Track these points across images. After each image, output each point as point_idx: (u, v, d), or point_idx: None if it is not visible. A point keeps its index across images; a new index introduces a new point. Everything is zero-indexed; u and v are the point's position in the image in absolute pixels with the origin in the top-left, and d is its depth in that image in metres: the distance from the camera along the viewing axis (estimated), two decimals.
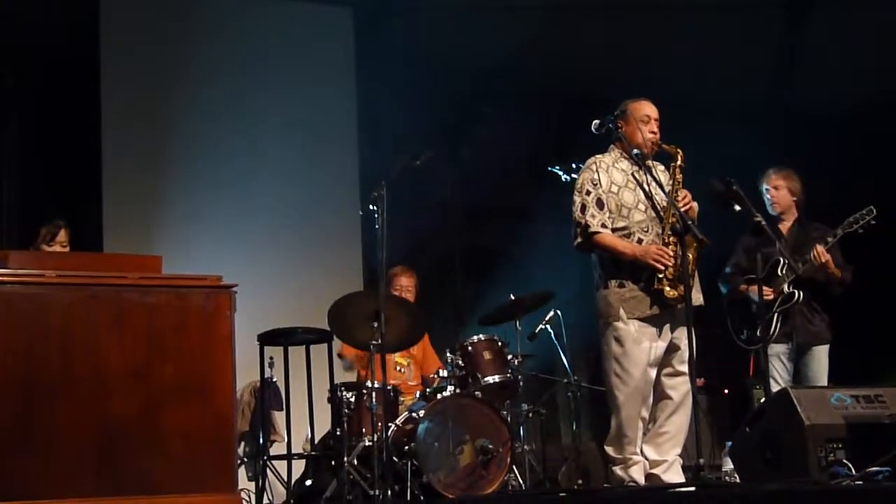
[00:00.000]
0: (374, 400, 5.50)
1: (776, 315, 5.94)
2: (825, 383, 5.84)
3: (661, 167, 5.38)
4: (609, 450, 5.19)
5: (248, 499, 5.89)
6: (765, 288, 5.76)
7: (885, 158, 7.75)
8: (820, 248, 5.86)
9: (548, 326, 6.65)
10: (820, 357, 5.99)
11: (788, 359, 5.97)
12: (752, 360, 6.19)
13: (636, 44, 8.15)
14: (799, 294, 5.92)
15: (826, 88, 8.11)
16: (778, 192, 6.16)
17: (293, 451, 6.06)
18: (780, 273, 5.96)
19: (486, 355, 6.05)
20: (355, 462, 5.61)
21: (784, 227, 6.16)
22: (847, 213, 5.92)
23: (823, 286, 6.01)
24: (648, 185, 5.20)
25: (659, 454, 5.12)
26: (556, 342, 6.68)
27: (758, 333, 5.82)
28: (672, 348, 5.14)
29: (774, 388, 5.52)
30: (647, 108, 5.29)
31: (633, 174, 5.25)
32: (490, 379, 5.98)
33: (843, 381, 5.27)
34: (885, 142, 7.85)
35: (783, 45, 8.68)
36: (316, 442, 6.15)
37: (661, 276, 5.03)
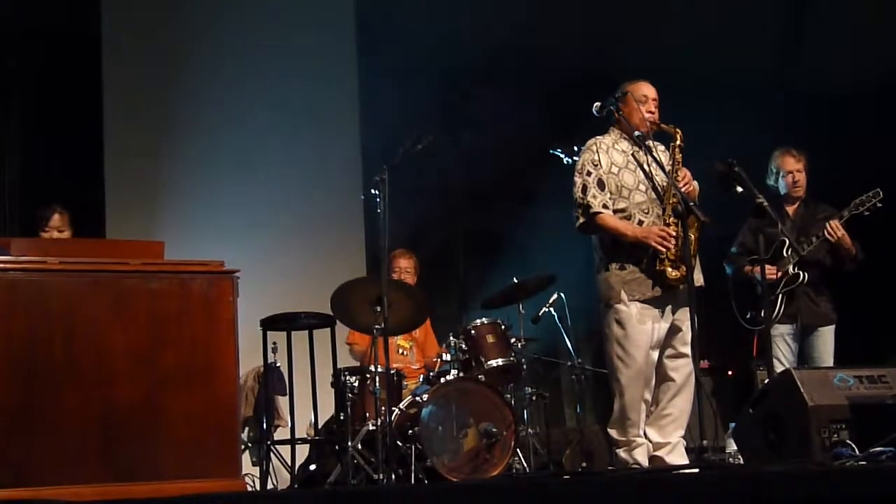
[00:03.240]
0: (377, 384, 5.51)
1: (781, 296, 5.93)
2: (831, 364, 5.84)
3: (662, 147, 5.37)
4: (612, 432, 5.19)
5: (251, 484, 5.89)
6: (769, 268, 5.74)
7: (889, 139, 7.71)
8: (834, 223, 5.84)
9: (551, 309, 6.64)
10: (825, 338, 5.98)
11: (793, 339, 5.97)
12: (755, 341, 6.19)
13: (638, 23, 8.10)
14: (803, 275, 5.91)
15: (830, 67, 8.06)
16: (802, 174, 6.10)
17: (297, 436, 6.07)
18: (785, 254, 5.95)
19: (490, 339, 6.05)
20: (359, 446, 5.62)
21: (791, 208, 6.14)
22: (849, 194, 5.90)
23: (832, 265, 5.99)
24: (649, 165, 5.19)
25: (662, 436, 5.12)
26: (559, 325, 6.68)
27: (761, 314, 5.82)
28: (674, 330, 5.14)
29: (779, 369, 5.52)
30: (645, 89, 5.30)
31: (633, 155, 5.24)
32: (493, 362, 5.98)
33: (849, 362, 5.26)
34: (890, 122, 7.80)
35: (786, 22, 8.62)
36: (320, 426, 6.17)
37: (662, 257, 5.03)
